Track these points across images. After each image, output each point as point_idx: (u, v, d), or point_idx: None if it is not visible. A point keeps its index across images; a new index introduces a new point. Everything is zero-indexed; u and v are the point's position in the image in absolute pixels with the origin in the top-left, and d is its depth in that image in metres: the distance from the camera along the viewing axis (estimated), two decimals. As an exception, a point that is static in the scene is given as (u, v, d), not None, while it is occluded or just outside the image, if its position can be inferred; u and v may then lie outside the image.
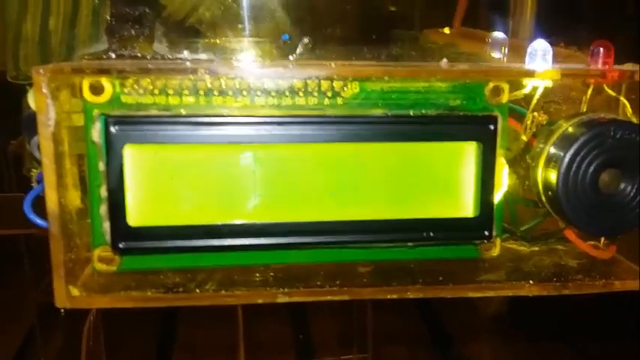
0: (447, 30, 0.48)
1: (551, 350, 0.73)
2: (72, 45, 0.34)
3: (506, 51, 0.35)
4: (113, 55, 0.31)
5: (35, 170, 0.37)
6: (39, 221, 0.31)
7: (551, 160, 0.29)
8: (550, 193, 0.29)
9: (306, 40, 0.33)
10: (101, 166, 0.27)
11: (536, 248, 0.33)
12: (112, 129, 0.27)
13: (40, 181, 0.34)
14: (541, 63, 0.29)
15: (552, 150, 0.29)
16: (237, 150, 0.28)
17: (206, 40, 0.35)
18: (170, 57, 0.32)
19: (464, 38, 0.46)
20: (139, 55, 0.31)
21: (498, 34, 0.35)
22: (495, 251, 0.31)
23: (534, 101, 0.30)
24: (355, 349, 0.68)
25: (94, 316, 0.67)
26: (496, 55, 0.36)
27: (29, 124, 0.34)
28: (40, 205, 0.32)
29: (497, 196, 0.29)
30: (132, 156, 0.27)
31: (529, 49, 0.30)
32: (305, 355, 0.77)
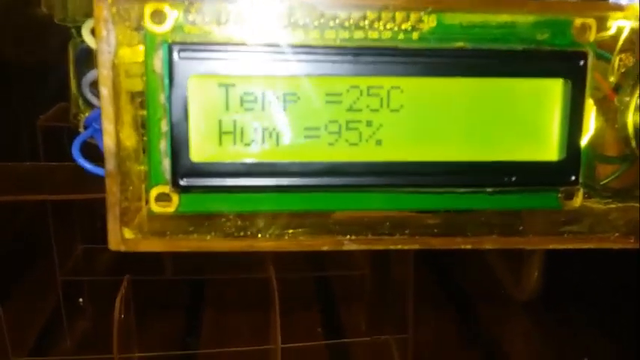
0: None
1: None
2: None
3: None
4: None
5: (82, 115, 0.36)
6: (88, 165, 0.29)
7: (643, 102, 0.27)
8: (641, 136, 0.27)
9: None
10: (162, 98, 0.26)
11: (613, 205, 0.31)
12: (176, 57, 0.25)
13: (88, 125, 0.33)
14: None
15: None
16: (306, 83, 0.26)
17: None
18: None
19: None
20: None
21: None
22: (577, 202, 0.29)
23: (621, 41, 0.28)
24: (391, 329, 0.66)
25: (125, 287, 0.66)
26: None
27: (81, 60, 0.32)
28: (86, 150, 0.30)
29: (584, 140, 0.27)
30: (196, 87, 0.25)
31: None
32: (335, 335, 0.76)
